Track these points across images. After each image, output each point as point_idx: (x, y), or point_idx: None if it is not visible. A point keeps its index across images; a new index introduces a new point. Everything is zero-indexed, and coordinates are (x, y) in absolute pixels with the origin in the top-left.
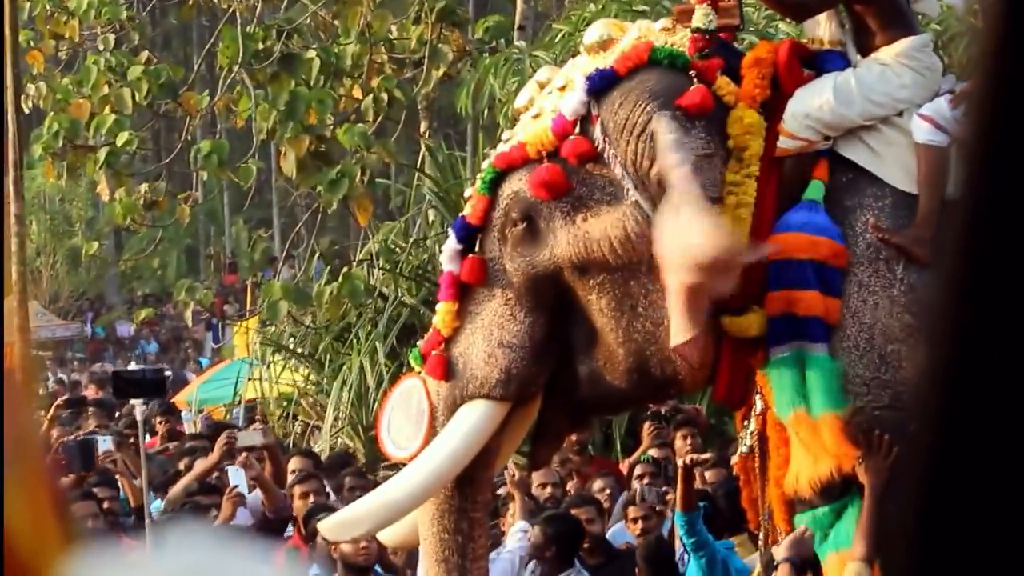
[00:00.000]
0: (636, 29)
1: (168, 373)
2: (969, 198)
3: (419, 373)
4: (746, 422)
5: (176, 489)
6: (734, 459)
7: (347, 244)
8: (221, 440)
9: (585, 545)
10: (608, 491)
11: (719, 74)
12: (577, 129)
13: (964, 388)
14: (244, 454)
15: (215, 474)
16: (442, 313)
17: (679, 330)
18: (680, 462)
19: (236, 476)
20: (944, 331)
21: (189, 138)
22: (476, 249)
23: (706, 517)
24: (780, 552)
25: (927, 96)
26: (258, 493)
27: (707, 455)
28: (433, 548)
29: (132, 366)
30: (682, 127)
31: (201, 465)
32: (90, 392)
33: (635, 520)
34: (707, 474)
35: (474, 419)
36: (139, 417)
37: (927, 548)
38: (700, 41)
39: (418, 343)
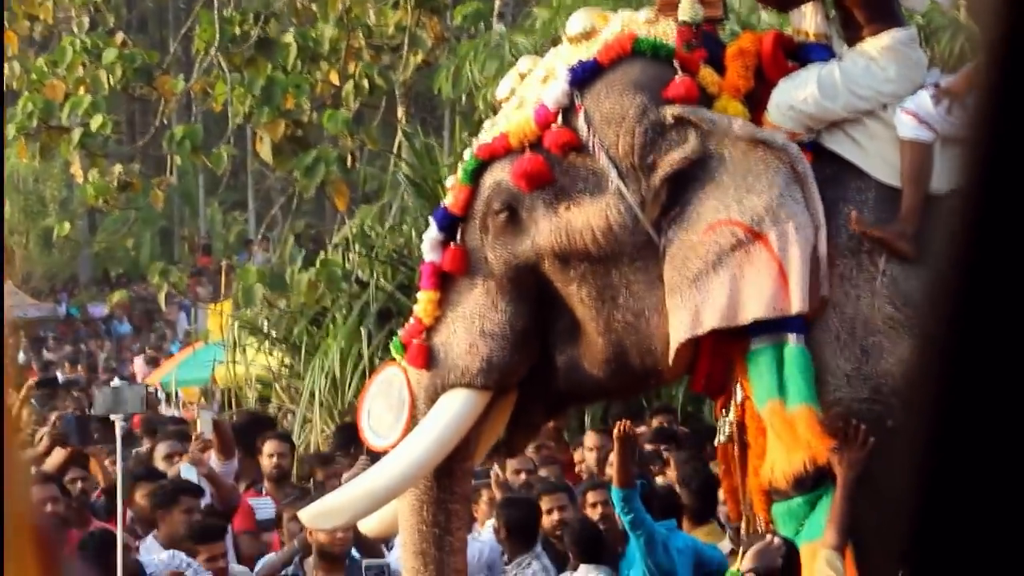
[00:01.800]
0: (619, 20)
1: (152, 390)
2: (968, 192)
3: (400, 362)
4: (724, 411)
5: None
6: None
7: (323, 228)
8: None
9: (557, 532)
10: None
11: (703, 65)
12: (560, 119)
13: (960, 381)
14: (192, 451)
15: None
16: (423, 302)
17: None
18: (615, 433)
19: (188, 471)
20: (941, 325)
21: (164, 121)
22: (458, 239)
23: (643, 495)
24: (745, 562)
25: (912, 90)
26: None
27: (642, 428)
28: (411, 539)
29: (115, 382)
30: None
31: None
32: (64, 372)
33: (594, 505)
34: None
35: (455, 408)
36: (118, 433)
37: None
38: (687, 33)
39: (395, 328)
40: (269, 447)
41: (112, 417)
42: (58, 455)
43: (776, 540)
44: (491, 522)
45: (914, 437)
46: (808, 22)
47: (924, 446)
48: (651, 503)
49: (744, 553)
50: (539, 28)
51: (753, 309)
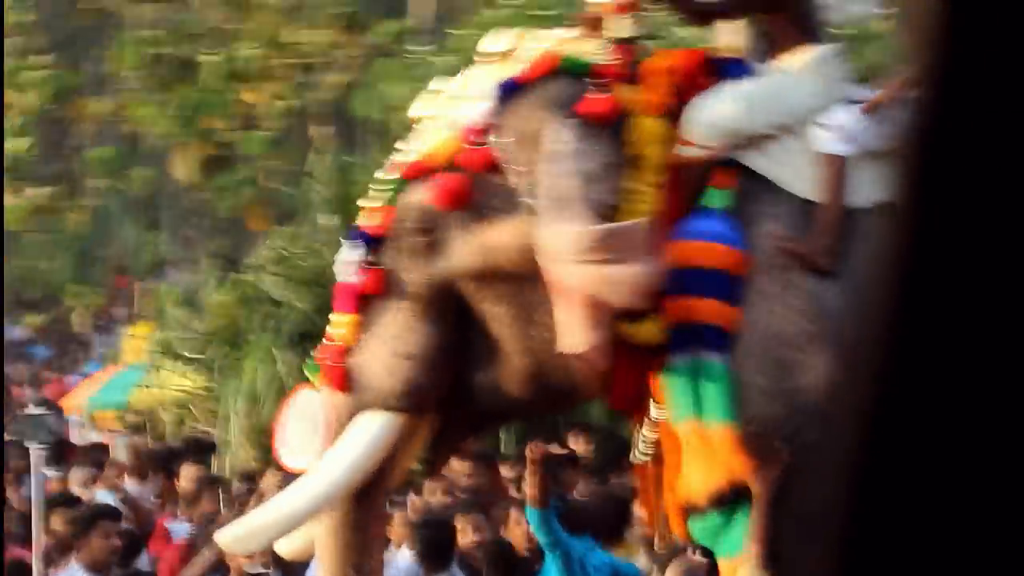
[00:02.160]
0: (539, 38)
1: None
2: (907, 202)
3: (316, 383)
4: (641, 428)
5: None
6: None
7: (239, 249)
8: None
9: (477, 550)
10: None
11: (621, 82)
12: (479, 139)
13: (894, 391)
14: (109, 473)
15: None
16: (341, 324)
17: (576, 336)
18: (528, 454)
19: (104, 496)
20: (870, 341)
21: (86, 143)
22: (375, 260)
23: (560, 514)
24: None
25: (831, 105)
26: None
27: (561, 450)
28: (329, 562)
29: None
30: (582, 135)
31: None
32: None
33: (518, 522)
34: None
35: (372, 430)
36: (33, 460)
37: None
38: (622, 51)
39: (310, 348)
40: (186, 472)
41: (27, 444)
42: None
43: (698, 555)
44: (407, 545)
45: (834, 452)
46: (727, 37)
47: (846, 462)
48: (567, 520)
49: (662, 569)
50: (455, 48)
51: None
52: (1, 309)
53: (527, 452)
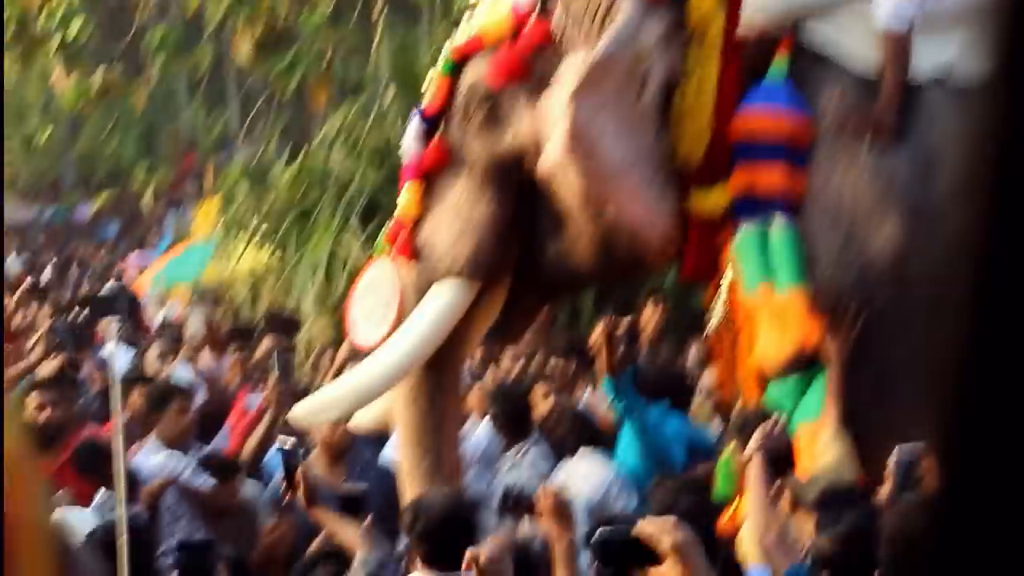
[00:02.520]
0: None
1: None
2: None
3: (387, 256)
4: (715, 297)
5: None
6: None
7: (305, 125)
8: None
9: (552, 419)
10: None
11: None
12: (535, 15)
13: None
14: (186, 348)
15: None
16: (407, 197)
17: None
18: (600, 326)
19: (182, 371)
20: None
21: (142, 23)
22: (440, 133)
23: (635, 381)
24: (751, 444)
25: None
26: None
27: (627, 319)
28: (407, 432)
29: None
30: (643, 10)
31: None
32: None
33: (545, 396)
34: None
35: (444, 300)
36: (113, 335)
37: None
38: None
39: (382, 222)
40: (266, 345)
41: (107, 319)
42: (53, 362)
43: (782, 420)
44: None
45: (910, 316)
46: None
47: (925, 327)
48: (643, 387)
49: (740, 433)
50: None
51: None
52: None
53: (599, 329)
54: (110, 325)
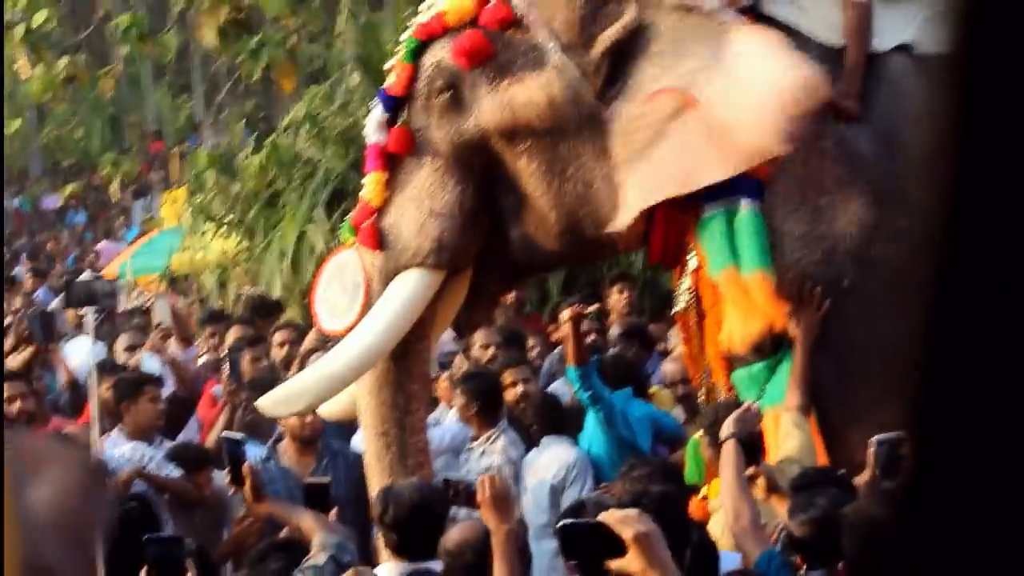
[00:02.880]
0: None
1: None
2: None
3: (352, 245)
4: (681, 280)
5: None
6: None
7: (271, 110)
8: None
9: (521, 405)
10: (537, 349)
11: None
12: None
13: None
14: (157, 339)
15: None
16: (371, 184)
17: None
18: (566, 314)
19: (150, 362)
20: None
21: (106, 10)
22: (402, 119)
23: (602, 371)
24: (725, 429)
25: None
26: None
27: (594, 306)
28: (372, 421)
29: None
30: None
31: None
32: (21, 265)
33: (513, 383)
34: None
35: (409, 288)
36: (91, 326)
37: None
38: None
39: (349, 208)
40: (234, 333)
41: (84, 310)
42: (24, 353)
43: (755, 406)
44: (456, 406)
45: (875, 297)
46: None
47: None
48: (606, 374)
49: (710, 421)
50: None
51: (704, 174)
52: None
53: (560, 316)
54: (88, 316)
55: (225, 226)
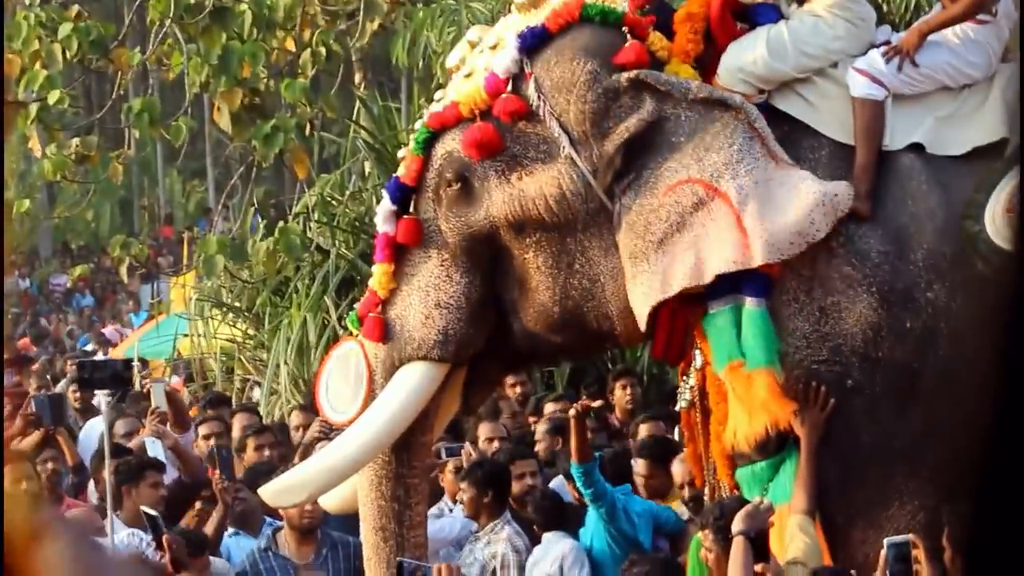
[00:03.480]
0: None
1: (135, 363)
2: None
3: (357, 336)
4: (685, 377)
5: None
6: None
7: (283, 196)
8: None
9: (527, 498)
10: (545, 443)
11: (651, 30)
12: (509, 87)
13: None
14: (156, 423)
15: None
16: (378, 275)
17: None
18: (572, 411)
19: (153, 447)
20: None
21: (121, 92)
22: (411, 210)
23: (601, 466)
24: (735, 525)
25: (861, 47)
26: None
27: (599, 401)
28: (371, 514)
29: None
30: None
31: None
32: (24, 346)
33: (520, 476)
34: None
35: (413, 381)
36: (104, 409)
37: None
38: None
39: (358, 296)
40: (239, 420)
41: (98, 393)
42: (33, 436)
43: (765, 502)
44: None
45: (881, 398)
46: None
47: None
48: (605, 470)
49: (714, 516)
50: None
51: (715, 264)
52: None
53: (571, 411)
54: (102, 399)
55: (232, 312)
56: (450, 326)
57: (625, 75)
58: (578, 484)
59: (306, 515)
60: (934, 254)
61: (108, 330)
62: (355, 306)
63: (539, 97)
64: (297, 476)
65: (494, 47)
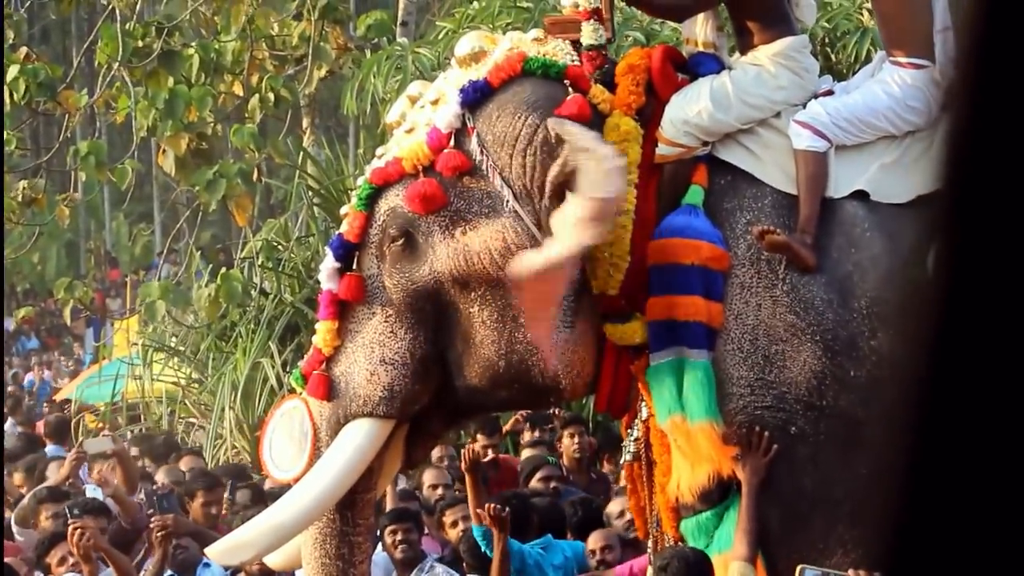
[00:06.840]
0: (508, 40)
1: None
2: (951, 190)
3: (301, 393)
4: (630, 430)
5: (24, 501)
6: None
7: (229, 241)
8: (71, 454)
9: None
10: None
11: (593, 83)
12: (452, 142)
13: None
14: (99, 471)
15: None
16: (322, 332)
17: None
18: (463, 465)
19: (93, 493)
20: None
21: (68, 135)
22: (355, 267)
23: (520, 512)
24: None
25: (804, 97)
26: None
27: (489, 456)
28: (315, 573)
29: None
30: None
31: (53, 478)
32: None
33: (454, 524)
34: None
35: (358, 439)
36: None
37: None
38: (596, 58)
39: (302, 342)
40: (185, 463)
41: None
42: None
43: (690, 551)
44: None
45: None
46: (699, 31)
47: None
48: (529, 519)
49: (659, 566)
50: (442, 40)
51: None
52: (1, 303)
53: (461, 462)
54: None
55: (176, 356)
56: (395, 382)
57: (551, 126)
58: (483, 545)
59: (250, 573)
60: (878, 302)
61: (50, 372)
62: (300, 351)
63: (482, 152)
64: (244, 535)
65: (435, 102)
